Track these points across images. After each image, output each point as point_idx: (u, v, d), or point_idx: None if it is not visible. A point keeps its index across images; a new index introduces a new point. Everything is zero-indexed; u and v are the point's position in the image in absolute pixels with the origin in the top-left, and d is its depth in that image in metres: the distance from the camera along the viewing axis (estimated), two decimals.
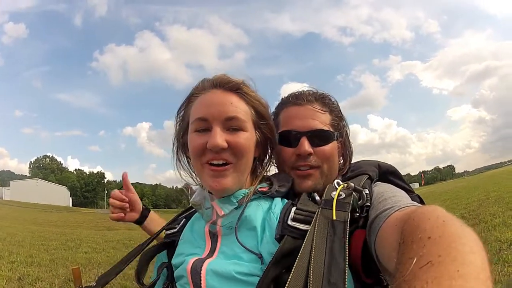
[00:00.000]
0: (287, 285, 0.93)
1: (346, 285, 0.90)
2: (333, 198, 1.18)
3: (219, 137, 1.22)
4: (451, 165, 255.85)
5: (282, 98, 1.67)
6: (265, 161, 1.47)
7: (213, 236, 1.33)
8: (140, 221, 1.95)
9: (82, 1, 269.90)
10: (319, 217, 1.12)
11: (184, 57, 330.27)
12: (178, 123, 1.44)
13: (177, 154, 1.46)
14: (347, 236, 1.03)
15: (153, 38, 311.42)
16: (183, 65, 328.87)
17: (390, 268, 0.95)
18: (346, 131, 1.64)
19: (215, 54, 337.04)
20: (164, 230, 1.60)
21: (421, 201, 1.43)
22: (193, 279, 1.19)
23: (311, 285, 0.91)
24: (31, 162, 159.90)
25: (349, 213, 1.12)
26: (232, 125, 1.27)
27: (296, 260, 0.99)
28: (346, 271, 0.94)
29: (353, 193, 1.22)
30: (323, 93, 1.61)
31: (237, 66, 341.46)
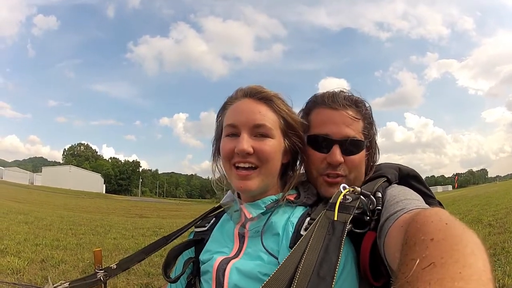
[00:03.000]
0: (273, 273, 0.97)
1: (334, 280, 0.92)
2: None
3: (246, 143, 1.31)
4: (484, 168, 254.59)
5: (315, 96, 1.65)
6: (296, 167, 1.52)
7: (241, 238, 1.41)
8: None
9: None
10: (322, 217, 1.16)
11: (220, 49, 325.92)
12: (216, 129, 1.53)
13: (214, 157, 1.55)
14: (345, 236, 1.05)
15: (189, 30, 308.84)
16: (219, 57, 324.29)
17: (395, 268, 0.90)
18: (375, 138, 1.64)
19: (252, 46, 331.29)
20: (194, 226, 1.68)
21: (443, 208, 1.31)
22: (217, 275, 1.30)
23: (298, 275, 0.94)
24: (65, 149, 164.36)
25: (352, 215, 1.14)
26: (259, 132, 1.35)
27: (289, 253, 1.03)
28: (337, 267, 0.96)
29: (361, 197, 1.24)
30: (358, 98, 1.59)
31: (275, 59, 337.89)
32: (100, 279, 1.58)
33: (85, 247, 10.37)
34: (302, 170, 1.58)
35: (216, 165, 1.53)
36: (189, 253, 1.59)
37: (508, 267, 6.91)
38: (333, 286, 0.92)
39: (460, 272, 0.63)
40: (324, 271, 0.95)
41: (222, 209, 1.64)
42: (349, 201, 1.22)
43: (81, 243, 11.03)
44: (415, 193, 1.35)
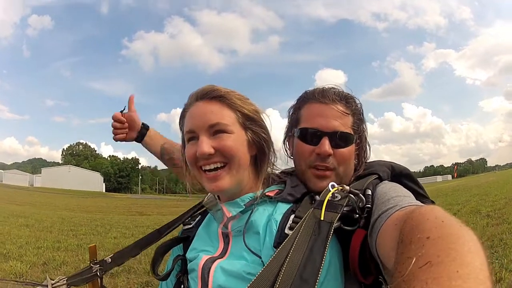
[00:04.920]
0: (257, 274, 0.98)
1: (317, 282, 0.95)
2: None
3: (205, 145, 1.32)
4: (484, 158, 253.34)
5: (306, 92, 1.67)
6: (265, 158, 1.48)
7: (226, 238, 1.43)
8: (139, 139, 2.11)
9: None
10: (309, 216, 1.16)
11: (216, 42, 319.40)
12: (181, 140, 1.53)
13: (185, 166, 1.53)
14: (331, 236, 1.07)
15: (183, 23, 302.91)
16: (215, 50, 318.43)
17: (390, 267, 0.96)
18: (365, 134, 1.66)
19: (248, 38, 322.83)
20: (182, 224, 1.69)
21: None
22: (202, 274, 1.33)
23: (280, 278, 0.95)
24: (63, 149, 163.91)
25: (339, 215, 1.16)
26: (216, 130, 1.35)
27: (273, 255, 1.03)
28: (321, 269, 0.98)
29: (350, 195, 1.25)
30: (348, 94, 1.61)
31: (272, 51, 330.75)
32: (97, 273, 1.62)
33: (86, 248, 10.05)
34: (285, 166, 1.62)
35: (189, 174, 1.52)
36: (178, 250, 1.60)
37: (505, 259, 6.81)
38: None
39: (457, 271, 0.63)
40: (307, 274, 0.97)
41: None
42: (337, 199, 1.22)
43: (82, 244, 11.04)
44: (406, 190, 1.37)
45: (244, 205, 1.38)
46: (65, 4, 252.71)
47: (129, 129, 2.06)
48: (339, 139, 1.51)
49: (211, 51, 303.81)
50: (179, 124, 1.51)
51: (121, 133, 2.03)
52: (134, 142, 2.12)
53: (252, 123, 1.42)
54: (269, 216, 1.35)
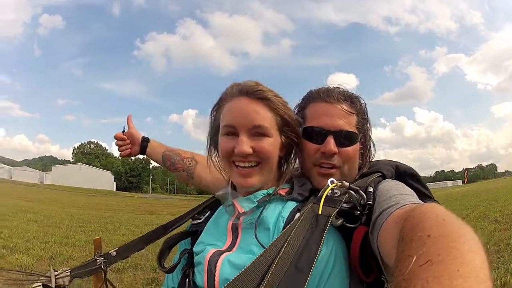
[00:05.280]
0: (251, 262, 0.99)
1: (311, 272, 0.96)
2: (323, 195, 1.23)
3: (245, 144, 1.35)
4: (494, 163, 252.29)
5: (311, 91, 1.69)
6: (291, 159, 1.55)
7: (235, 232, 1.43)
8: (142, 151, 2.19)
9: None
10: (307, 211, 1.18)
11: (228, 45, 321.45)
12: (211, 123, 1.56)
13: (209, 150, 1.60)
14: (327, 229, 1.08)
15: (195, 26, 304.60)
16: (228, 52, 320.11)
17: (391, 265, 0.92)
18: (369, 133, 1.67)
19: (260, 41, 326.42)
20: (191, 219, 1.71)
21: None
22: (209, 267, 1.32)
23: (274, 266, 0.96)
24: (74, 147, 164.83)
25: (337, 209, 1.17)
26: (257, 131, 1.37)
27: (269, 244, 1.05)
28: (316, 260, 0.99)
29: (350, 191, 1.27)
30: (352, 94, 1.62)
31: (283, 54, 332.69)
32: (101, 266, 1.66)
33: None
34: (296, 164, 1.61)
35: (211, 158, 1.58)
36: (185, 244, 1.62)
37: (511, 264, 6.73)
38: (309, 278, 0.95)
39: (458, 269, 0.63)
40: (302, 263, 0.98)
41: (218, 201, 1.65)
42: (337, 195, 1.25)
43: (90, 240, 10.76)
44: (408, 188, 1.37)
45: (257, 201, 1.40)
46: (77, 4, 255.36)
47: (132, 144, 2.20)
48: (344, 138, 1.53)
49: (223, 53, 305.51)
50: (213, 109, 1.53)
51: (125, 149, 2.18)
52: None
53: (288, 128, 1.46)
54: (279, 214, 1.37)
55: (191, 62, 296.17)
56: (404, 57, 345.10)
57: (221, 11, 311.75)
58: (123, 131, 2.23)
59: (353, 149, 1.56)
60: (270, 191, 1.44)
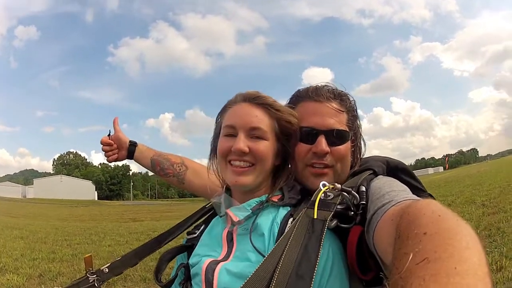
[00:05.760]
0: (253, 272, 0.99)
1: (313, 280, 0.95)
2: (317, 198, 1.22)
3: (242, 143, 1.40)
4: (475, 148, 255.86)
5: (299, 90, 1.68)
6: (286, 169, 1.56)
7: (230, 241, 1.44)
8: (129, 156, 2.18)
9: None
10: (302, 216, 1.16)
11: (202, 46, 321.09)
12: (214, 130, 1.61)
13: (210, 156, 1.64)
14: (325, 233, 1.07)
15: (168, 28, 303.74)
16: (202, 53, 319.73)
17: (388, 263, 0.95)
18: (360, 131, 1.67)
19: (234, 40, 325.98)
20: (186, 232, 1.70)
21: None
22: (206, 276, 1.33)
23: (276, 275, 0.95)
24: (54, 159, 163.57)
25: (332, 213, 1.15)
26: (255, 134, 1.43)
27: (269, 253, 1.04)
28: (317, 266, 0.98)
29: (342, 193, 1.25)
30: (342, 92, 1.63)
31: (258, 52, 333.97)
32: (94, 284, 1.60)
33: (81, 258, 10.01)
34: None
35: (212, 163, 1.63)
36: (182, 258, 1.62)
37: (504, 248, 6.81)
38: (311, 285, 0.95)
39: (455, 267, 0.62)
40: (303, 270, 0.97)
41: (211, 213, 1.70)
42: (330, 198, 1.23)
43: (77, 254, 11.01)
44: (401, 183, 1.37)
45: (251, 209, 1.42)
46: (51, 14, 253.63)
47: (119, 149, 2.17)
48: (336, 137, 1.53)
49: (198, 54, 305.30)
50: (217, 116, 1.59)
51: (112, 154, 2.15)
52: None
53: (285, 137, 1.51)
54: (273, 219, 1.39)
55: (166, 65, 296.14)
56: (378, 49, 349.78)
57: (194, 12, 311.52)
58: (109, 135, 2.19)
59: (345, 148, 1.55)
60: (263, 198, 1.46)
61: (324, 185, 1.28)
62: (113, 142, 2.15)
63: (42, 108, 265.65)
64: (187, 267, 1.53)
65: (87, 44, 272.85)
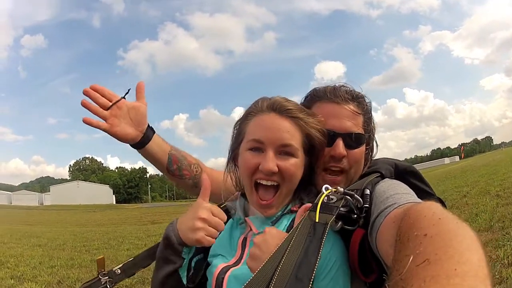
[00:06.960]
0: (253, 274, 0.97)
1: (312, 282, 0.94)
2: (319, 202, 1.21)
3: (272, 162, 1.33)
4: (489, 136, 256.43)
5: (315, 89, 1.65)
6: (307, 182, 1.52)
7: (244, 247, 1.43)
8: (140, 142, 1.73)
9: (97, 3, 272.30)
10: (304, 219, 1.15)
11: (211, 44, 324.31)
12: (234, 136, 1.53)
13: (227, 164, 1.58)
14: (325, 237, 1.06)
15: (177, 29, 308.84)
16: (212, 52, 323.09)
17: (389, 265, 0.92)
18: (374, 132, 1.65)
19: (243, 37, 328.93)
20: None
21: (443, 204, 1.33)
22: (216, 283, 1.35)
23: (275, 277, 0.94)
24: (70, 165, 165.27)
25: (334, 216, 1.14)
26: (284, 150, 1.37)
27: (269, 256, 1.03)
28: (315, 269, 0.97)
29: (346, 196, 1.25)
30: (359, 93, 1.60)
31: (268, 48, 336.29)
32: (106, 286, 1.58)
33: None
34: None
35: (229, 171, 1.58)
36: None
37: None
38: (310, 287, 0.95)
39: (455, 269, 0.62)
40: (302, 273, 0.96)
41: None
42: (333, 201, 1.23)
43: (96, 259, 10.76)
44: (405, 186, 1.37)
45: (271, 222, 1.41)
46: (57, 22, 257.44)
47: (129, 124, 1.68)
48: (353, 140, 1.51)
49: (208, 53, 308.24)
50: (238, 122, 1.51)
51: (110, 116, 1.64)
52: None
53: (313, 150, 1.46)
54: (286, 226, 1.39)
55: (176, 65, 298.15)
56: (388, 40, 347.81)
57: (201, 11, 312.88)
58: (124, 97, 1.66)
59: (360, 151, 1.54)
60: (284, 210, 1.44)
61: (326, 188, 1.27)
62: (122, 107, 1.67)
63: (54, 116, 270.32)
64: (206, 264, 1.51)
65: (96, 49, 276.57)
